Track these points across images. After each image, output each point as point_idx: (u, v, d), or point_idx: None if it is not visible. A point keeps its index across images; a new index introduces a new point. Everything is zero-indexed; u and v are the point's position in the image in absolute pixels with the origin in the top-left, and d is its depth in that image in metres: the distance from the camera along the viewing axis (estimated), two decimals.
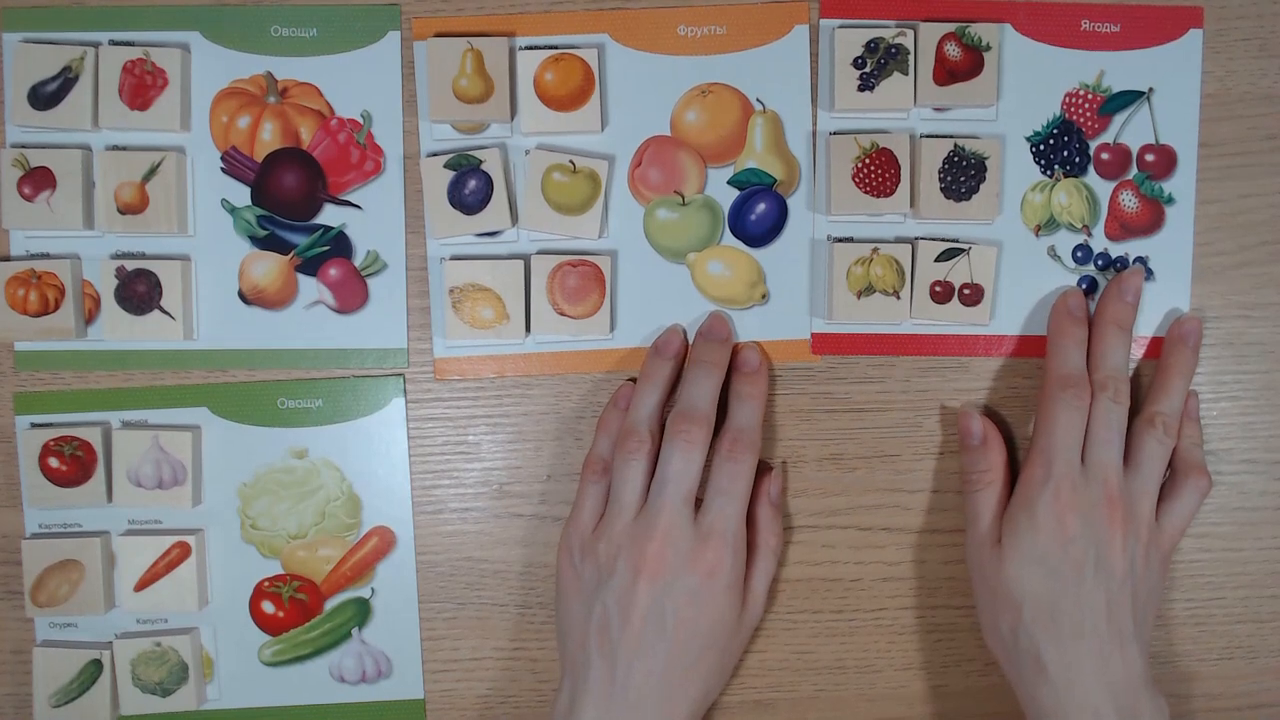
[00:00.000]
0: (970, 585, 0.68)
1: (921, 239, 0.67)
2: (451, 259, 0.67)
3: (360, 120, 0.67)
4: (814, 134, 0.68)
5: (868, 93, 0.66)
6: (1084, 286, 0.68)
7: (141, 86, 0.65)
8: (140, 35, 0.66)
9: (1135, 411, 0.66)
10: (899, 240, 0.67)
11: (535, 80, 0.66)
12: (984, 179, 0.66)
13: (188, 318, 0.67)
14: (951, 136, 0.67)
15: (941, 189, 0.66)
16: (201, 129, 0.67)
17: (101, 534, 0.67)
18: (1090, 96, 0.68)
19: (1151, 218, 0.68)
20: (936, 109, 0.67)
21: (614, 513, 0.64)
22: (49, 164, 0.65)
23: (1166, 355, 0.67)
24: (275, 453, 0.68)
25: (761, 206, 0.68)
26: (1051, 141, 0.68)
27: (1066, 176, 0.68)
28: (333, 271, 0.67)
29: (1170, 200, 0.68)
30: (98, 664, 0.67)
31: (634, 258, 0.68)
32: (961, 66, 0.66)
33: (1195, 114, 0.68)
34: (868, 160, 0.66)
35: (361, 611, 0.69)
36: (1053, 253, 0.68)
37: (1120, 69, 0.68)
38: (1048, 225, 0.68)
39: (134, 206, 0.65)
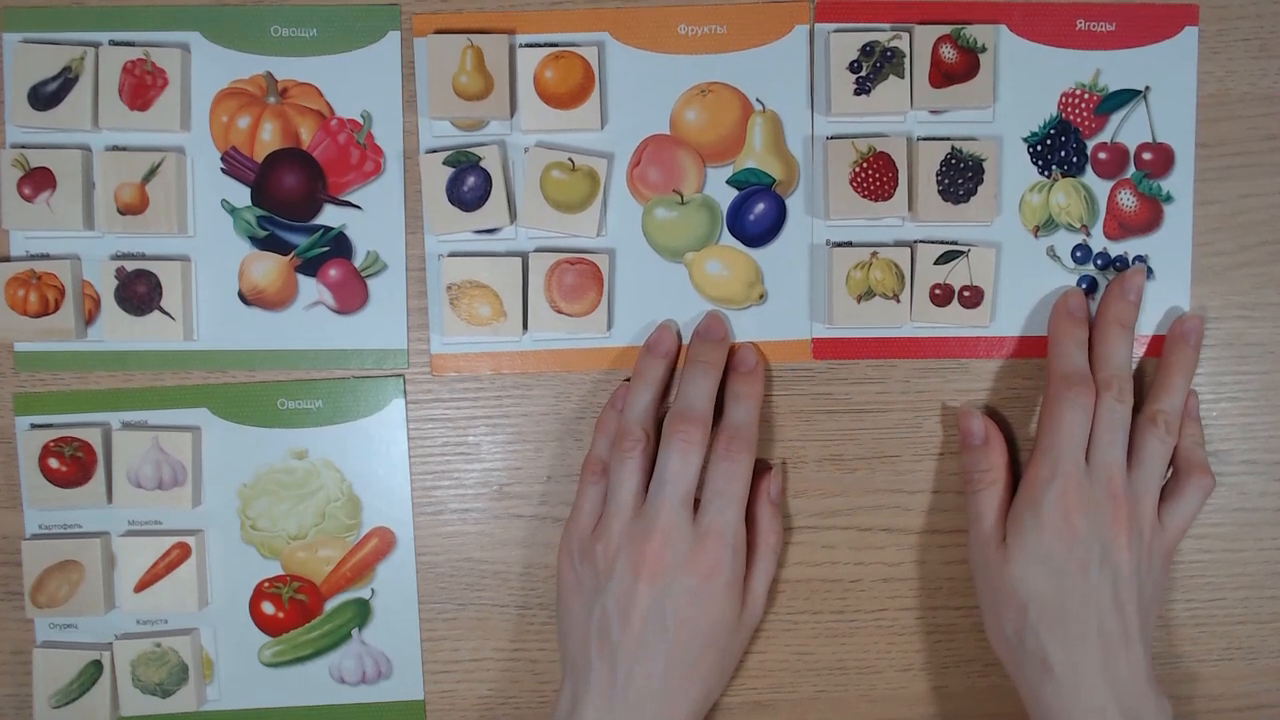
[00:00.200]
0: (972, 586, 0.68)
1: (920, 242, 0.67)
2: (449, 255, 0.67)
3: (360, 120, 0.67)
4: (811, 139, 0.68)
5: (864, 96, 0.66)
6: (1084, 286, 0.68)
7: (141, 87, 0.65)
8: (140, 35, 0.66)
9: (1136, 409, 0.66)
10: (898, 244, 0.68)
11: (535, 78, 0.66)
12: (982, 181, 0.66)
13: (188, 318, 0.67)
14: (949, 139, 0.67)
15: (939, 191, 0.66)
16: (201, 129, 0.67)
17: (101, 535, 0.67)
18: (1087, 96, 0.68)
19: (1150, 216, 0.68)
20: (933, 111, 0.67)
21: (611, 513, 0.64)
22: (49, 164, 0.65)
23: (1168, 353, 0.67)
24: (275, 453, 0.68)
25: (760, 206, 0.68)
26: (1049, 142, 0.68)
27: (1064, 176, 0.68)
28: (333, 272, 0.68)
29: (1168, 198, 0.68)
30: (98, 665, 0.67)
31: (632, 256, 0.68)
32: (957, 68, 0.66)
33: (1192, 112, 0.68)
34: (865, 164, 0.66)
35: (361, 612, 0.69)
36: (1052, 253, 0.68)
37: (1116, 68, 0.68)
38: (1046, 226, 0.68)
39: (134, 207, 0.65)
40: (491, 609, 0.70)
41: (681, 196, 0.68)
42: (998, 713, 0.71)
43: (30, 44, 0.65)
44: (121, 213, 0.65)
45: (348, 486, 0.69)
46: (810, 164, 0.68)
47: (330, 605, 0.69)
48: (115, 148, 0.66)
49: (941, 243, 0.67)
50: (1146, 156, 0.68)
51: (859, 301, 0.67)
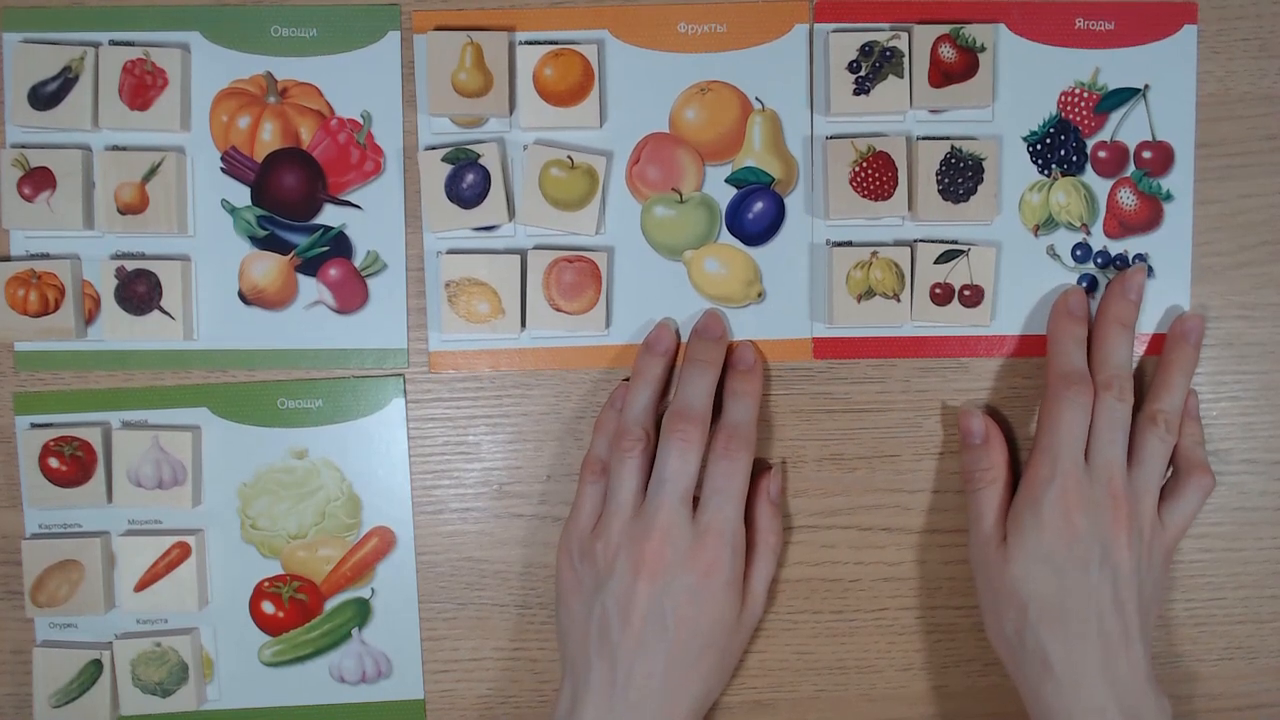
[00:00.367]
0: (972, 585, 0.68)
1: (920, 241, 0.67)
2: (448, 253, 0.67)
3: (360, 120, 0.67)
4: (810, 138, 0.68)
5: (863, 96, 0.66)
6: (1084, 285, 0.68)
7: (141, 86, 0.65)
8: (140, 35, 0.66)
9: (1136, 408, 0.66)
10: (898, 243, 0.68)
11: (534, 75, 0.66)
12: (982, 180, 0.66)
13: (188, 318, 0.67)
14: (948, 138, 0.67)
15: (939, 191, 0.66)
16: (201, 129, 0.67)
17: (101, 534, 0.67)
18: (1086, 95, 0.68)
19: (1150, 215, 0.68)
20: (932, 111, 0.67)
21: (611, 512, 0.64)
22: (49, 164, 0.65)
23: (1168, 352, 0.67)
24: (275, 453, 0.68)
25: (759, 205, 0.68)
26: (1048, 141, 0.68)
27: (1064, 175, 0.68)
28: (333, 272, 0.68)
29: (1168, 197, 0.68)
30: (98, 664, 0.67)
31: (631, 254, 0.68)
32: (956, 68, 0.66)
33: (1191, 110, 0.68)
34: (865, 164, 0.66)
35: (361, 612, 0.69)
36: (1052, 252, 0.68)
37: (1115, 66, 0.68)
38: (1046, 224, 0.68)
39: (134, 206, 0.65)
40: (491, 608, 0.70)
41: (680, 195, 0.68)
42: (998, 712, 0.71)
43: (30, 44, 0.65)
44: (121, 212, 0.65)
45: (348, 486, 0.69)
46: (809, 164, 0.68)
47: (330, 605, 0.69)
48: (115, 147, 0.66)
49: (941, 242, 0.67)
50: (1146, 155, 0.68)
51: (859, 301, 0.67)
